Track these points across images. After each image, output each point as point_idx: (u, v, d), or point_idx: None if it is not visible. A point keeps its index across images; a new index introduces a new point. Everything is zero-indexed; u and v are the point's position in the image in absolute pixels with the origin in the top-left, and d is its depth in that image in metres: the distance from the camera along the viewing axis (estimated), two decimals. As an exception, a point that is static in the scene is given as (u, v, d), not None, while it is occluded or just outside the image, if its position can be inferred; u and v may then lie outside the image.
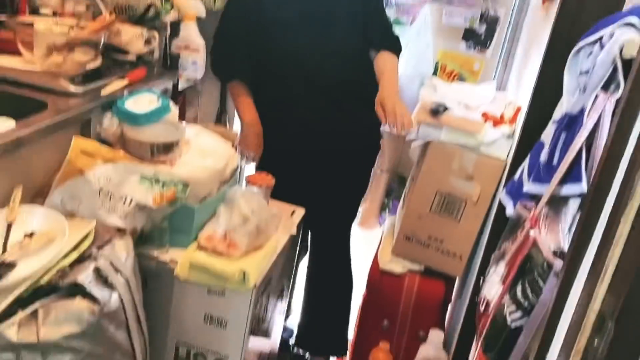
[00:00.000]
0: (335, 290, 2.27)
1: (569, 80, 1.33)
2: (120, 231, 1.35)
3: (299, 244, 1.94)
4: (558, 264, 1.09)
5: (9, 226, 1.21)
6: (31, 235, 1.20)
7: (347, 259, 2.24)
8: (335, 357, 2.37)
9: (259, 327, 1.64)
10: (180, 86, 2.05)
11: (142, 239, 1.48)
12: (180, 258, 1.47)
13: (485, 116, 1.92)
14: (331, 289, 2.27)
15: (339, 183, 2.14)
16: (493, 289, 1.35)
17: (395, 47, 2.08)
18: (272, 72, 2.07)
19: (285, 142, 2.10)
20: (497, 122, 1.91)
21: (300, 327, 2.36)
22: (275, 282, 1.72)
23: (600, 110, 1.15)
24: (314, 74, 2.00)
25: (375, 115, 1.92)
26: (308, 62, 1.99)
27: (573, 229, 1.19)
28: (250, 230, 1.53)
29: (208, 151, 1.60)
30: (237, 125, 2.51)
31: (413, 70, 2.32)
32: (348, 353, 2.33)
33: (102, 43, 1.68)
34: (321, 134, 2.05)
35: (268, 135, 2.12)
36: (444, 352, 2.00)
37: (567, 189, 1.19)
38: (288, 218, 1.80)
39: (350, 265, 2.25)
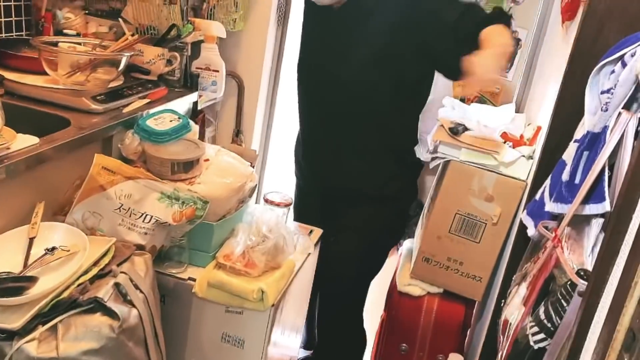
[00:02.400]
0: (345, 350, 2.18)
1: (590, 99, 1.32)
2: (140, 248, 1.35)
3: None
4: (582, 284, 1.07)
5: (31, 241, 1.23)
6: (52, 250, 1.21)
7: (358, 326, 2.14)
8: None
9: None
10: (200, 105, 2.07)
11: (161, 256, 1.48)
12: (198, 276, 1.47)
13: (505, 136, 1.91)
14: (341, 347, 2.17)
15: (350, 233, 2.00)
16: (515, 310, 1.33)
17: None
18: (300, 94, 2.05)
19: (306, 175, 2.12)
20: (517, 142, 1.90)
21: None
22: (293, 302, 1.71)
23: (623, 128, 1.14)
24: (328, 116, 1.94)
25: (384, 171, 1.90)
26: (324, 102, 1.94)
27: (596, 249, 1.18)
28: (268, 249, 1.53)
29: (227, 170, 1.61)
30: (254, 145, 2.54)
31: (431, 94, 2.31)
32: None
33: (124, 63, 1.71)
34: (330, 176, 2.01)
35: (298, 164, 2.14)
36: (463, 376, 1.97)
37: (590, 209, 1.17)
38: (306, 237, 1.79)
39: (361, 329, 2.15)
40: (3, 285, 1.09)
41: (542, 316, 1.17)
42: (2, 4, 1.83)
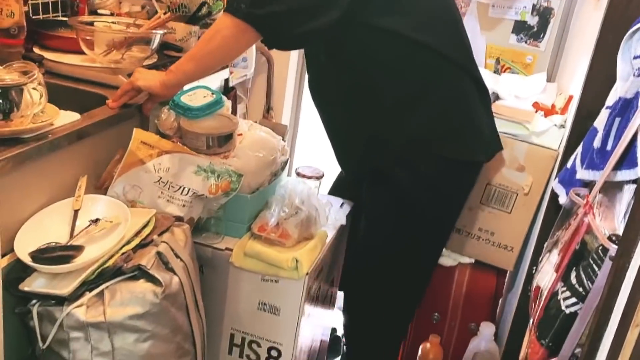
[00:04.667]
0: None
1: (622, 64, 1.31)
2: (179, 219, 1.40)
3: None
4: (614, 248, 1.08)
5: (76, 213, 1.28)
6: (96, 221, 1.27)
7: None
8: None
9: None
10: (232, 82, 2.10)
11: (199, 227, 1.53)
12: (234, 246, 1.52)
13: (536, 106, 1.90)
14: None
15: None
16: (546, 276, 1.34)
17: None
18: None
19: None
20: (548, 112, 1.89)
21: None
22: (327, 272, 1.74)
23: (656, 93, 1.13)
24: None
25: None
26: None
27: (628, 215, 1.18)
28: (301, 220, 1.56)
29: (260, 143, 1.64)
30: (284, 120, 2.56)
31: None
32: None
33: (157, 41, 1.75)
34: None
35: None
36: (495, 344, 1.99)
37: (622, 175, 1.18)
38: (337, 209, 1.82)
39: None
40: (52, 254, 1.15)
41: (574, 281, 1.18)
42: (39, -14, 1.89)
